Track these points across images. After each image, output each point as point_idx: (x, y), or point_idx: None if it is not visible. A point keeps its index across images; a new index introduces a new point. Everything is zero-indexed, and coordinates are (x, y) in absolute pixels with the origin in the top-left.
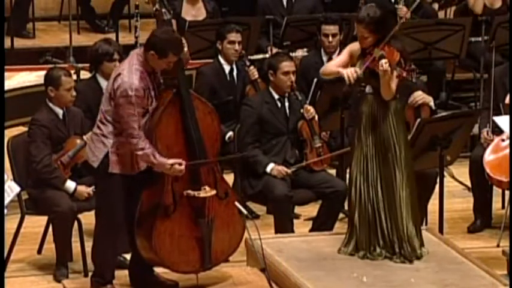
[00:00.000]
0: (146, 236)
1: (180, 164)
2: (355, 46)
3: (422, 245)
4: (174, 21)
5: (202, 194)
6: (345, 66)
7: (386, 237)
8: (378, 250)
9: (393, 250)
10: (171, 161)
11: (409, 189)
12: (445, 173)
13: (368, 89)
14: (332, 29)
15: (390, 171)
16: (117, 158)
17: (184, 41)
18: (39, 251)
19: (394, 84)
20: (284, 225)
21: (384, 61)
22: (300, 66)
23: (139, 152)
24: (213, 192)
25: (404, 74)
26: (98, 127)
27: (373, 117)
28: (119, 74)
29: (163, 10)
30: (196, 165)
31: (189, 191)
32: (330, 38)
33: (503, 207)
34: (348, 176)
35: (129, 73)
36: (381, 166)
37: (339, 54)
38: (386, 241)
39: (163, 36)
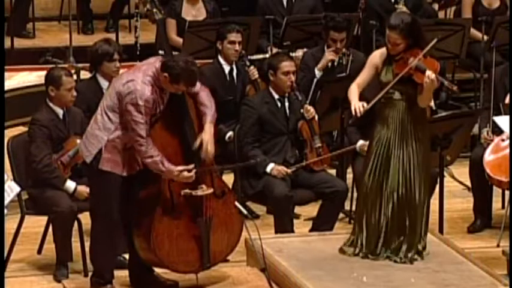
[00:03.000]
0: (145, 236)
1: (189, 171)
2: (378, 56)
3: (424, 248)
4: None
5: (199, 192)
6: (367, 81)
7: (396, 241)
8: (383, 252)
9: (397, 252)
10: (179, 168)
11: (424, 194)
12: (445, 173)
13: (396, 95)
14: (341, 35)
15: (411, 174)
16: (109, 156)
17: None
18: (39, 251)
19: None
20: (284, 225)
21: (430, 73)
22: (303, 58)
23: (148, 160)
24: (210, 190)
25: (455, 88)
26: (96, 122)
27: (401, 122)
28: (132, 80)
29: (155, 10)
30: (203, 171)
31: (187, 190)
32: (338, 44)
33: (503, 207)
34: (350, 175)
35: (142, 83)
36: (402, 168)
37: (342, 53)
38: (391, 243)
39: (181, 64)
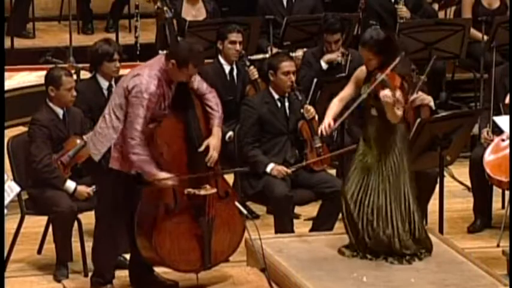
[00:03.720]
0: (146, 235)
1: (170, 179)
2: (360, 72)
3: (424, 248)
4: (174, 21)
5: (203, 192)
6: (350, 95)
7: (384, 248)
8: (380, 254)
9: (394, 253)
10: (162, 175)
11: (413, 210)
12: (445, 173)
13: (373, 111)
14: (335, 37)
15: (390, 192)
16: (118, 155)
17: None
18: (39, 251)
19: (399, 110)
20: (284, 225)
21: (386, 91)
22: (304, 57)
23: (134, 157)
24: (214, 190)
25: (408, 103)
26: (104, 121)
27: (379, 138)
28: (138, 75)
29: (165, 8)
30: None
31: (190, 189)
32: (333, 46)
33: (503, 207)
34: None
35: (148, 77)
36: (381, 186)
37: (340, 52)
38: (378, 250)
39: (185, 46)
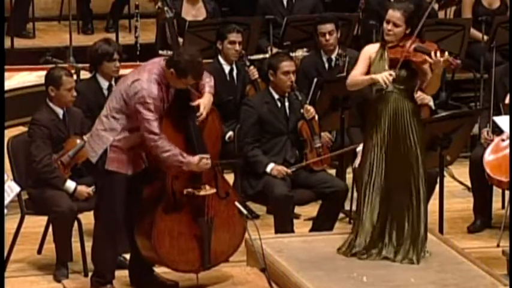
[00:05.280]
0: (146, 234)
1: (207, 159)
2: (367, 49)
3: (423, 249)
4: (174, 21)
5: (202, 192)
6: (367, 71)
7: (394, 240)
8: (383, 251)
9: (395, 253)
10: (197, 157)
11: (423, 192)
12: (445, 173)
13: (388, 87)
14: (328, 27)
15: (408, 172)
16: (115, 156)
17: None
18: (39, 251)
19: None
20: (284, 225)
21: (437, 52)
22: (301, 66)
23: (166, 154)
24: (213, 190)
25: (456, 62)
26: (101, 122)
27: (393, 116)
28: (137, 80)
29: (166, 8)
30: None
31: (189, 189)
32: (327, 36)
33: (503, 207)
34: (350, 175)
35: (148, 81)
36: (398, 166)
37: (338, 54)
38: (387, 244)
39: (186, 58)
